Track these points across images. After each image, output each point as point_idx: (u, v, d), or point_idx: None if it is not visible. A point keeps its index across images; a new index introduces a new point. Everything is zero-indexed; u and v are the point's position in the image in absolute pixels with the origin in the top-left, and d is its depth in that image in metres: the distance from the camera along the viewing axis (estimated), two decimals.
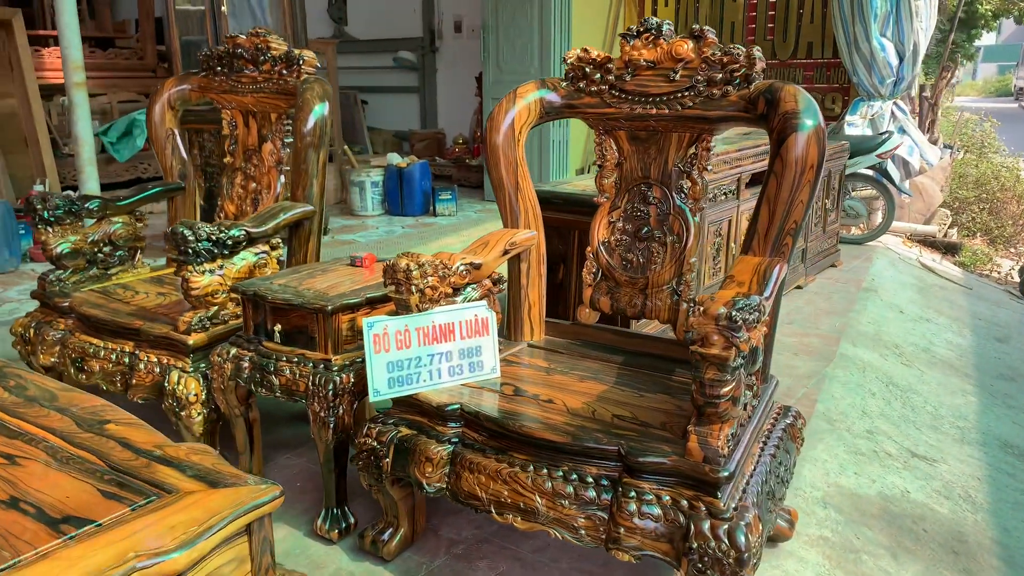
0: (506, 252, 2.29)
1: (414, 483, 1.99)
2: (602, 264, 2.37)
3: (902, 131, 6.18)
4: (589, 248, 2.38)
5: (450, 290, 2.11)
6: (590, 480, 1.81)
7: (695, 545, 1.66)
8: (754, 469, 1.87)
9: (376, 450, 2.06)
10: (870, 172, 5.88)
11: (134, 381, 2.53)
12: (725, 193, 3.82)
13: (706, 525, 1.67)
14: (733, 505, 1.71)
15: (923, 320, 4.68)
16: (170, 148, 3.16)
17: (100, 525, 1.12)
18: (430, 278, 2.03)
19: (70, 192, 2.98)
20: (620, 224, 2.36)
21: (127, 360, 2.56)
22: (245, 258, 2.59)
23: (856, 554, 2.32)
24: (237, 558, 1.20)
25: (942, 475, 2.91)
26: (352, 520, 2.31)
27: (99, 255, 3.00)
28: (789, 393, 3.37)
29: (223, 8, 4.78)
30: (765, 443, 1.99)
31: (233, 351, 2.37)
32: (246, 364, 2.33)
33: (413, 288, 2.00)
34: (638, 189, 2.33)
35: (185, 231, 2.39)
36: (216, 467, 1.30)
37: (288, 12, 5.01)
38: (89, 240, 2.95)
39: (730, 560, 1.64)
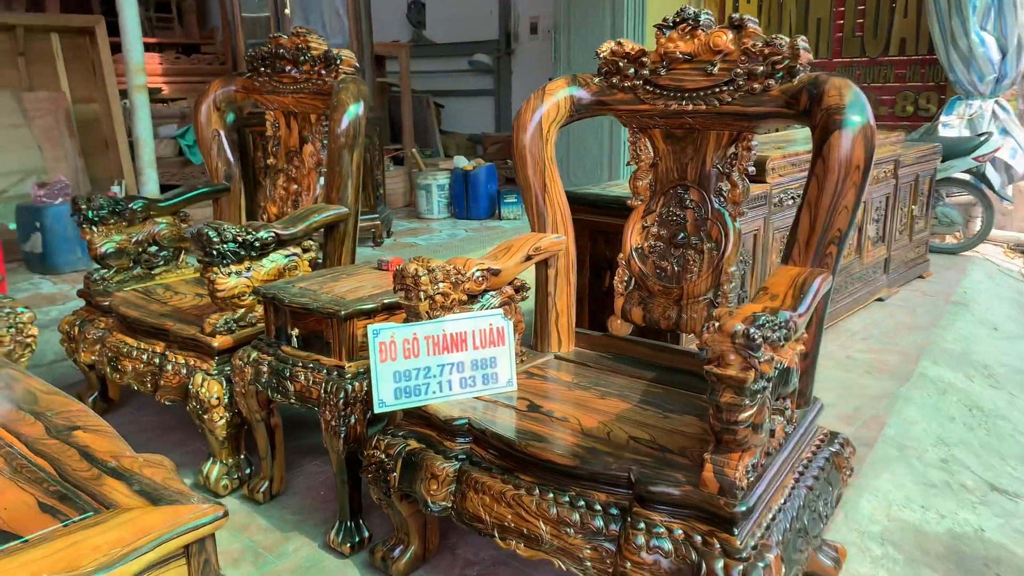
0: (529, 257, 2.17)
1: (419, 500, 1.89)
2: (634, 272, 2.21)
3: (1004, 132, 5.72)
4: (621, 255, 2.23)
5: (464, 297, 2.01)
6: (598, 508, 1.66)
7: None
8: (783, 503, 1.68)
9: (384, 463, 1.97)
10: (967, 176, 5.46)
11: (162, 382, 2.52)
12: (793, 198, 3.57)
13: (719, 565, 1.50)
14: (752, 543, 1.53)
15: (1020, 339, 4.29)
16: (216, 149, 3.17)
17: (26, 541, 1.07)
18: (441, 284, 1.93)
19: (116, 192, 3.02)
20: (654, 229, 2.20)
21: (157, 361, 2.56)
22: (275, 260, 2.55)
23: None
24: None
25: None
26: (366, 534, 2.23)
27: (143, 255, 3.03)
28: (856, 415, 3.11)
29: (287, 11, 4.82)
30: (801, 474, 1.80)
31: (254, 355, 2.33)
32: (265, 369, 2.28)
33: (422, 294, 1.90)
34: (674, 192, 2.16)
35: (210, 232, 2.36)
36: (165, 482, 1.23)
37: (352, 14, 5.03)
38: (133, 240, 2.98)
39: None
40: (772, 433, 1.68)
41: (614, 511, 1.65)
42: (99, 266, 2.94)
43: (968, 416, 3.23)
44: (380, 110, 7.21)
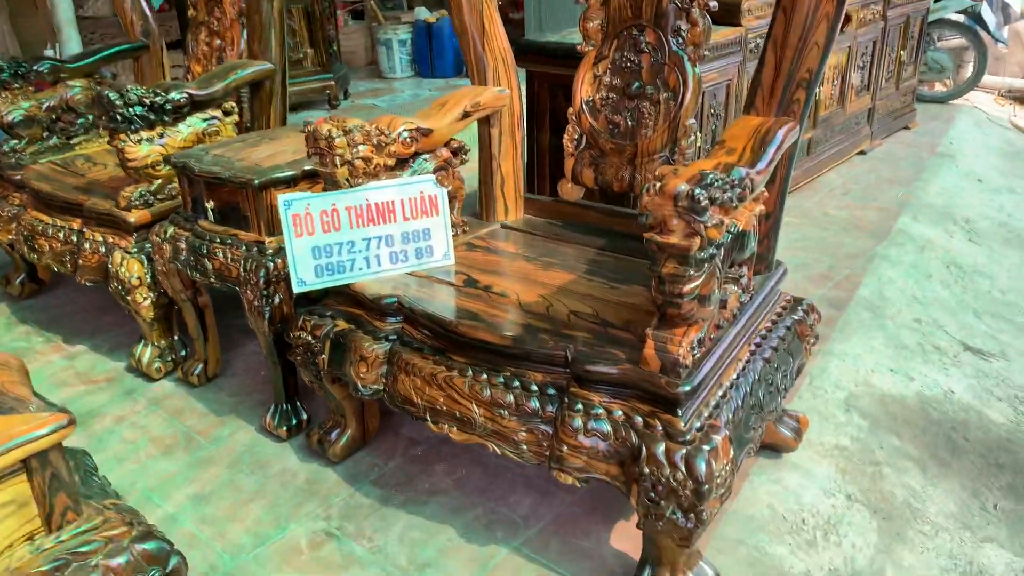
0: (467, 114, 1.93)
1: (349, 384, 1.75)
2: (585, 128, 1.99)
3: None
4: (571, 109, 2.00)
5: (391, 162, 1.79)
6: (534, 388, 1.52)
7: (646, 471, 1.38)
8: (736, 379, 1.54)
9: (311, 345, 1.82)
10: (960, 18, 5.11)
11: (81, 262, 2.33)
12: None
13: (660, 448, 1.37)
14: (698, 424, 1.41)
15: (1006, 191, 4.11)
16: (129, 1, 2.83)
17: None
18: (361, 147, 1.71)
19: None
20: (607, 79, 1.95)
21: (75, 239, 2.36)
22: (192, 125, 2.31)
23: (876, 467, 2.00)
24: (15, 500, 0.98)
25: (998, 372, 2.51)
26: (304, 417, 2.11)
27: (58, 123, 2.76)
28: (829, 275, 2.97)
29: None
30: (759, 346, 1.66)
31: (171, 231, 2.13)
32: (183, 246, 2.09)
33: (338, 159, 1.68)
34: (628, 33, 1.90)
35: (111, 94, 2.10)
36: (4, 387, 1.06)
37: None
38: (44, 107, 2.70)
39: (687, 491, 1.35)
40: (724, 304, 1.52)
41: (551, 391, 1.51)
42: (8, 136, 2.68)
43: (946, 273, 3.09)
44: None
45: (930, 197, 3.79)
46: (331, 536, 1.76)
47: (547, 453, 1.51)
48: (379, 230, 1.78)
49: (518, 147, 2.10)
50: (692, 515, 1.38)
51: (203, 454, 2.04)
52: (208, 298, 2.25)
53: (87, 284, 2.37)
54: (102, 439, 2.12)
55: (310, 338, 1.82)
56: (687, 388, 1.37)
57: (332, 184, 1.73)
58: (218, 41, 2.71)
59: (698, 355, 1.42)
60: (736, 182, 1.35)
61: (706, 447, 1.37)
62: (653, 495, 1.39)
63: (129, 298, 2.24)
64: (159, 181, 2.25)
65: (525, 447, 1.53)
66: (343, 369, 1.77)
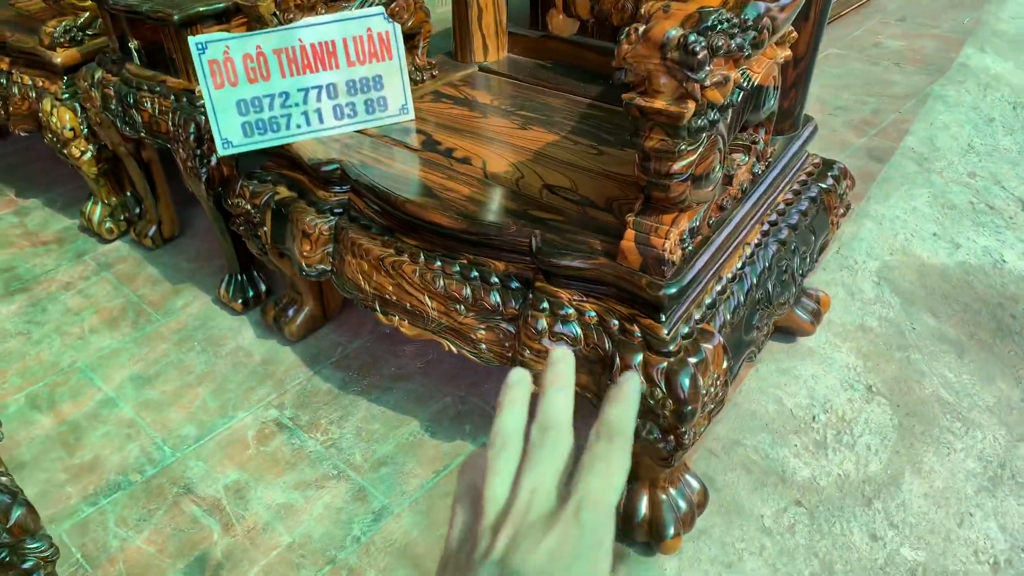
0: None
1: (294, 263, 1.51)
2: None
3: None
4: None
5: None
6: (494, 280, 1.27)
7: None
8: (740, 268, 1.27)
9: (251, 215, 1.57)
10: None
11: (11, 109, 2.06)
12: None
13: (637, 360, 1.13)
14: (685, 330, 1.15)
15: None
16: None
17: None
18: None
19: None
20: None
21: (4, 82, 2.07)
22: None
23: (905, 352, 1.75)
24: None
25: None
26: (263, 288, 1.90)
27: None
28: (873, 120, 2.59)
29: None
30: (773, 224, 1.37)
31: (99, 74, 1.83)
32: (112, 93, 1.80)
33: None
34: None
35: None
36: None
37: None
38: None
39: (666, 412, 1.12)
40: (729, 180, 1.22)
41: (515, 285, 1.26)
42: None
43: (1012, 117, 2.69)
44: None
45: (1002, 24, 3.28)
46: (282, 427, 1.60)
47: (509, 354, 1.28)
48: (318, 78, 1.47)
49: None
50: (672, 438, 1.16)
51: (151, 329, 1.86)
52: (154, 152, 1.99)
53: (21, 134, 2.11)
54: (45, 308, 1.94)
55: (249, 207, 1.56)
56: (673, 290, 1.10)
57: (256, 21, 1.41)
58: None
59: (690, 248, 1.14)
60: (751, 23, 1.02)
61: (693, 359, 1.12)
62: None
63: (66, 151, 1.98)
64: (87, 14, 1.93)
65: (484, 347, 1.30)
66: (286, 244, 1.53)
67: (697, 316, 1.18)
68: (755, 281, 1.28)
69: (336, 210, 1.46)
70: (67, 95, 1.95)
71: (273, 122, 1.47)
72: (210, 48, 1.37)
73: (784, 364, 1.70)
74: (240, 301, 1.85)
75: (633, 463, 1.29)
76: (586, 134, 1.49)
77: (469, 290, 1.28)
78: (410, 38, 1.65)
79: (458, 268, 1.30)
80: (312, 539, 1.38)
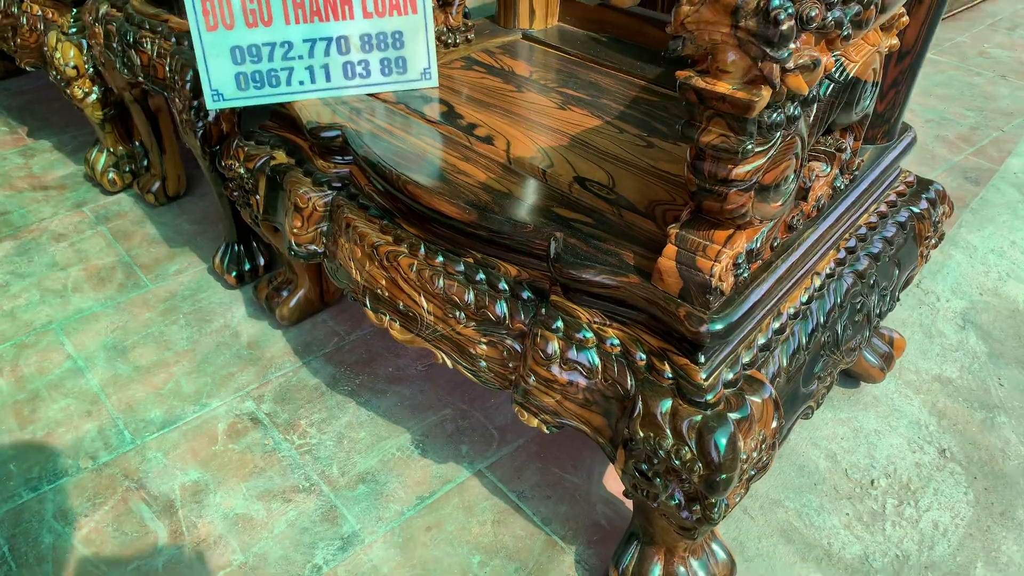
0: None
1: (286, 245, 1.32)
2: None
3: None
4: None
5: None
6: (503, 287, 1.05)
7: (640, 435, 0.92)
8: (805, 303, 1.03)
9: (243, 180, 1.37)
10: None
11: (19, 40, 1.90)
12: None
13: (664, 407, 0.90)
14: (729, 376, 0.92)
15: None
16: None
17: None
18: None
19: None
20: None
21: (15, 10, 1.91)
22: None
23: (990, 413, 1.49)
24: None
25: None
26: (260, 263, 1.71)
27: None
28: (970, 137, 2.29)
29: None
30: (852, 252, 1.12)
31: (104, 8, 1.66)
32: (114, 29, 1.62)
33: None
34: None
35: None
36: None
37: None
38: None
39: (693, 476, 0.89)
40: (804, 194, 0.97)
41: (527, 295, 1.04)
42: None
43: None
44: None
45: None
46: (257, 424, 1.41)
47: (512, 378, 1.06)
48: (328, 28, 1.26)
49: None
50: (697, 508, 0.93)
51: (137, 294, 1.69)
52: (163, 100, 1.81)
53: (28, 69, 1.95)
54: (31, 258, 1.78)
55: (243, 171, 1.37)
56: (717, 327, 0.87)
57: None
58: None
59: (745, 275, 0.90)
60: None
61: (735, 415, 0.89)
62: (645, 468, 0.94)
63: (69, 91, 1.82)
64: None
65: (484, 365, 1.09)
66: (279, 217, 1.34)
67: (746, 359, 0.95)
68: (822, 320, 1.04)
69: (335, 184, 1.26)
70: (74, 29, 1.77)
71: (272, 75, 1.26)
72: None
73: (843, 413, 1.45)
74: (234, 274, 1.67)
75: (648, 523, 1.07)
76: (635, 121, 1.26)
77: (472, 295, 1.06)
78: None
79: (462, 268, 1.08)
80: (267, 561, 1.19)
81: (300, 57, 1.26)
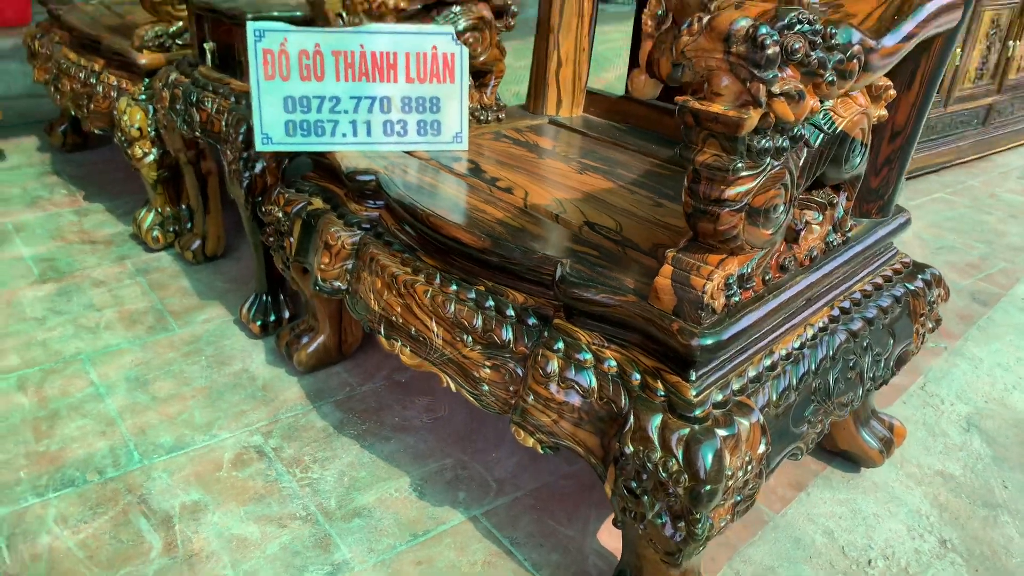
0: None
1: (312, 280, 1.40)
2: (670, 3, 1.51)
3: None
4: None
5: (404, 4, 1.40)
6: (510, 313, 1.11)
7: (629, 450, 0.95)
8: (797, 348, 1.07)
9: (281, 223, 1.48)
10: None
11: (92, 106, 2.09)
12: None
13: (654, 422, 0.94)
14: (719, 397, 0.96)
15: None
16: None
17: None
18: None
19: None
20: None
21: (93, 81, 2.11)
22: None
23: (993, 511, 1.47)
24: None
25: None
26: (286, 315, 1.79)
27: None
28: (978, 265, 2.36)
29: None
30: (846, 312, 1.17)
31: (173, 76, 1.83)
32: (180, 93, 1.78)
33: None
34: None
35: None
36: None
37: None
38: None
39: (679, 488, 0.92)
40: (796, 236, 1.04)
41: (532, 320, 1.10)
42: None
43: None
44: None
45: None
46: (262, 456, 1.44)
47: (512, 402, 1.11)
48: (373, 88, 1.39)
49: (586, 22, 1.65)
50: (682, 524, 0.94)
51: (164, 336, 1.76)
52: (213, 164, 1.96)
53: (97, 132, 2.13)
54: (70, 299, 1.88)
55: (280, 214, 1.48)
56: (708, 342, 0.92)
57: (321, 20, 1.36)
58: None
59: (737, 298, 0.96)
60: (838, 43, 0.88)
61: (722, 431, 0.92)
62: (634, 485, 0.96)
63: (130, 151, 1.97)
64: (180, 23, 1.96)
65: (487, 388, 1.13)
66: (309, 257, 1.43)
67: (736, 386, 0.99)
68: (813, 367, 1.08)
69: (364, 225, 1.35)
70: (143, 96, 1.95)
71: (319, 126, 1.39)
72: (268, 36, 1.32)
73: (842, 495, 1.45)
74: (259, 323, 1.75)
75: (635, 557, 1.07)
76: (647, 187, 1.36)
77: (481, 319, 1.13)
78: (481, 75, 1.58)
79: (474, 295, 1.15)
80: None
81: (346, 112, 1.39)
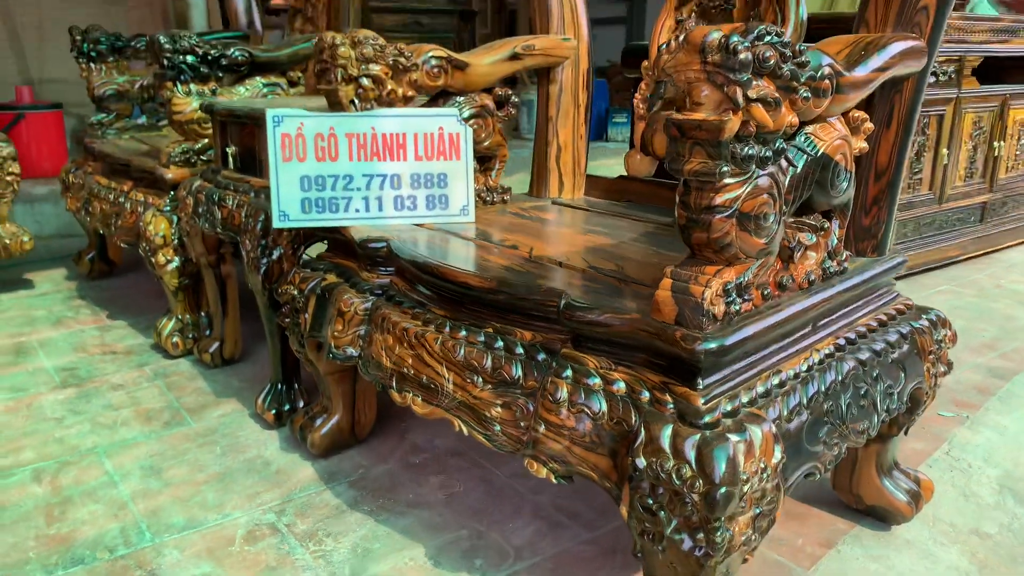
0: (516, 57, 1.63)
1: (325, 349, 1.43)
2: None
3: None
4: (645, 63, 1.65)
5: (412, 93, 1.51)
6: (519, 351, 1.13)
7: (643, 463, 0.94)
8: (805, 370, 1.08)
9: (296, 300, 1.53)
10: None
11: (120, 222, 2.20)
12: (935, 74, 2.80)
13: (666, 432, 0.94)
14: (728, 408, 0.96)
15: None
16: None
17: None
18: (374, 67, 1.45)
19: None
20: (692, 23, 1.60)
21: (121, 200, 2.24)
22: (253, 89, 2.16)
23: None
24: None
25: None
26: (300, 404, 1.80)
27: (149, 103, 2.73)
28: (991, 345, 2.36)
29: None
30: (852, 343, 1.18)
31: (197, 183, 1.95)
32: (203, 197, 1.89)
33: (340, 73, 1.42)
34: None
35: (163, 37, 1.99)
36: None
37: None
38: (137, 85, 2.68)
39: (695, 494, 0.90)
40: (791, 255, 1.08)
41: (541, 356, 1.12)
42: (99, 109, 2.67)
43: None
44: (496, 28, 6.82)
45: None
46: (275, 532, 1.41)
47: (524, 438, 1.10)
48: (385, 167, 1.48)
49: (582, 111, 1.77)
50: (701, 534, 0.92)
51: (180, 429, 1.77)
52: (233, 268, 2.03)
53: (123, 245, 2.23)
54: (89, 400, 1.91)
55: (296, 292, 1.53)
56: (711, 346, 0.94)
57: (335, 106, 1.47)
58: (310, 28, 2.60)
59: (737, 307, 0.99)
60: (806, 60, 0.95)
61: (733, 436, 0.92)
62: (650, 500, 0.95)
63: (154, 260, 2.06)
64: (205, 141, 2.10)
65: (498, 428, 1.13)
66: (323, 331, 1.46)
67: (745, 399, 0.99)
68: (823, 389, 1.08)
69: (376, 292, 1.40)
70: (168, 207, 2.06)
71: (333, 202, 1.47)
72: (285, 122, 1.43)
73: (875, 551, 1.39)
74: (274, 412, 1.76)
75: None
76: (646, 242, 1.40)
77: (490, 360, 1.15)
78: (486, 160, 1.68)
79: (483, 337, 1.17)
80: None
81: (358, 189, 1.47)
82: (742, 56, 0.86)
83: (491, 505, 1.50)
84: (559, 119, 1.74)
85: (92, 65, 2.60)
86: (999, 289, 2.90)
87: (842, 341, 1.17)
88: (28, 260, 2.93)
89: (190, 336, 2.15)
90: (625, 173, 1.69)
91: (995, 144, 3.12)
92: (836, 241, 1.16)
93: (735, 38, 0.86)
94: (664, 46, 0.93)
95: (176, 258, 2.06)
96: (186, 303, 2.13)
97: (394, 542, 1.39)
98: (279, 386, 1.79)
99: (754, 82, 0.88)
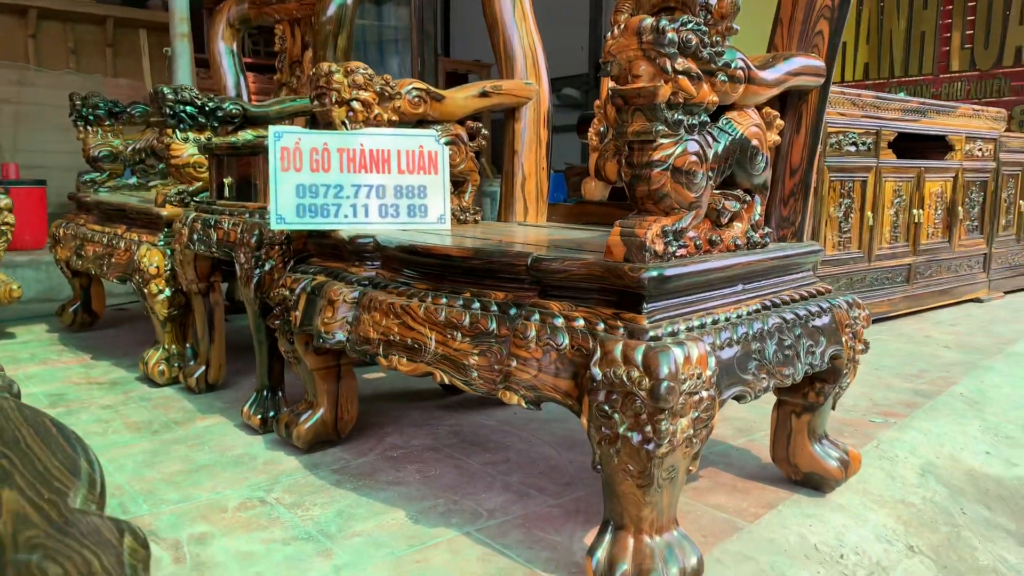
0: (485, 95, 1.88)
1: (315, 336, 1.59)
2: (611, 119, 1.88)
3: None
4: (598, 101, 1.91)
5: (395, 117, 1.74)
6: (494, 308, 1.32)
7: (599, 374, 1.12)
8: (735, 316, 1.28)
9: (287, 300, 1.69)
10: None
11: (113, 260, 2.35)
12: (855, 144, 3.13)
13: (618, 347, 1.12)
14: (669, 329, 1.15)
15: None
16: (226, 64, 3.07)
17: None
18: (364, 92, 1.68)
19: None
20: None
21: (115, 242, 2.40)
22: (244, 140, 2.37)
23: (955, 528, 1.57)
24: None
25: None
26: (284, 410, 1.92)
27: (140, 164, 2.93)
28: (918, 375, 2.57)
29: None
30: (776, 305, 1.38)
31: (192, 215, 2.13)
32: (198, 225, 2.06)
33: (334, 96, 1.65)
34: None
35: (166, 89, 2.21)
36: None
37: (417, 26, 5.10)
38: (131, 148, 2.89)
39: (641, 392, 1.07)
40: (718, 218, 1.29)
41: (512, 311, 1.30)
42: (93, 169, 2.86)
43: None
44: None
45: None
46: (264, 503, 1.52)
47: (498, 378, 1.27)
48: (370, 179, 1.69)
49: (543, 145, 2.01)
50: (649, 427, 1.08)
51: (170, 434, 1.88)
52: (221, 296, 2.19)
53: (114, 280, 2.37)
54: (80, 417, 2.01)
55: (287, 292, 1.69)
56: (653, 274, 1.13)
57: (328, 125, 1.69)
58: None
59: (674, 248, 1.19)
60: (723, 50, 1.20)
61: (674, 347, 1.10)
62: (606, 406, 1.11)
63: (146, 291, 2.21)
64: (199, 184, 2.29)
65: (475, 373, 1.30)
66: (313, 323, 1.62)
67: (683, 327, 1.18)
68: (751, 333, 1.28)
69: (363, 282, 1.57)
70: (162, 242, 2.23)
71: (324, 208, 1.66)
72: (285, 136, 1.64)
73: (811, 511, 1.55)
74: (260, 416, 1.88)
75: (617, 501, 1.18)
76: (602, 237, 1.61)
77: (468, 318, 1.32)
78: (459, 184, 1.89)
79: (461, 301, 1.35)
80: None
81: (347, 197, 1.67)
82: (670, 35, 1.10)
83: (465, 483, 1.63)
84: (523, 152, 1.98)
85: (89, 128, 2.81)
86: (928, 338, 3.16)
87: (768, 303, 1.37)
88: (8, 318, 3.03)
89: (176, 365, 2.27)
90: (583, 198, 1.92)
91: (914, 211, 3.45)
92: (758, 216, 1.38)
93: (664, 22, 1.10)
94: (609, 32, 1.17)
95: (167, 288, 2.21)
96: (174, 333, 2.27)
97: (376, 509, 1.51)
98: (264, 393, 1.92)
99: (679, 58, 1.12)
